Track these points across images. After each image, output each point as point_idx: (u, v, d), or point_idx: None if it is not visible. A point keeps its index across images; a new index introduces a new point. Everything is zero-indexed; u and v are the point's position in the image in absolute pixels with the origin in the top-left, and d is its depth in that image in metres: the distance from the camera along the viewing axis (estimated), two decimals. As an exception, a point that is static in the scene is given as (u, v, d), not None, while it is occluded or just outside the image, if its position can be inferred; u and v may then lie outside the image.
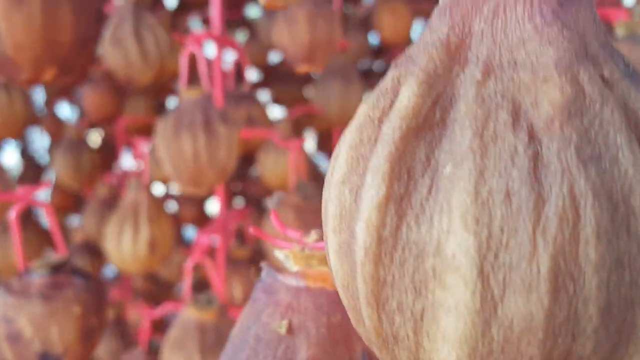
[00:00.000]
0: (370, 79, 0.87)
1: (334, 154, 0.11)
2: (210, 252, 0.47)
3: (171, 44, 0.51)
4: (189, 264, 0.42)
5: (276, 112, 0.88)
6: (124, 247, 0.46)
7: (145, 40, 0.50)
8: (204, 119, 0.43)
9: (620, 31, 0.34)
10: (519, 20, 0.09)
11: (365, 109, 0.10)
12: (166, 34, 0.51)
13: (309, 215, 0.47)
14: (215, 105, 0.44)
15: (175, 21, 0.85)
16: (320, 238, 0.18)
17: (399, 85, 0.10)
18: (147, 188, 0.50)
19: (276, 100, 0.89)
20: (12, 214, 0.29)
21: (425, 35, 0.10)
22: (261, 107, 0.56)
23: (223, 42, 0.48)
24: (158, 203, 0.50)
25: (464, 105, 0.09)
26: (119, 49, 0.50)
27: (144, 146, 0.50)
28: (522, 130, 0.09)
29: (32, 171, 0.91)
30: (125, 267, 0.47)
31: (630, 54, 0.33)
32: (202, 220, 0.78)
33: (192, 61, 0.46)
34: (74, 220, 0.88)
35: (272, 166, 0.67)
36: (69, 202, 0.93)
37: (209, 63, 0.48)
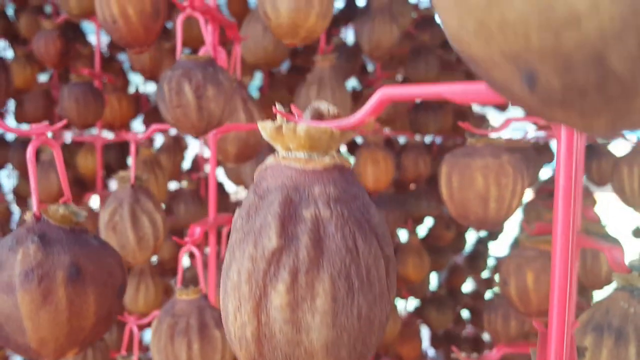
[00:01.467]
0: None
1: None
2: None
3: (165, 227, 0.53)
4: None
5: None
6: None
7: (142, 226, 0.51)
8: (199, 323, 0.44)
9: (617, 282, 0.36)
10: None
11: None
12: (162, 217, 0.52)
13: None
14: (211, 306, 0.45)
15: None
16: None
17: None
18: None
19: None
20: None
21: None
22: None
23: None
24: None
25: None
26: (115, 234, 0.51)
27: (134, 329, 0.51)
28: None
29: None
30: None
31: (629, 307, 0.36)
32: None
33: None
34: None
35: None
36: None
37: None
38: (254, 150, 0.56)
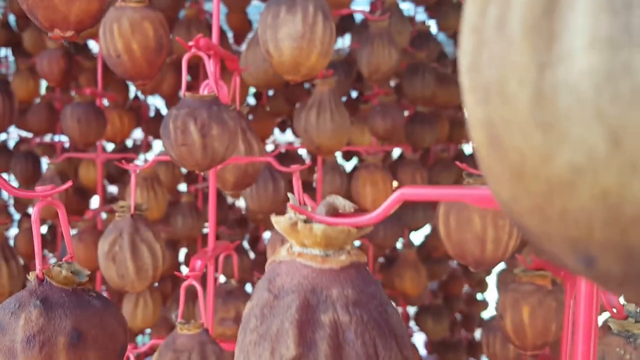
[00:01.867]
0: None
1: None
2: None
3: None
4: None
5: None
6: None
7: (141, 256, 0.51)
8: (201, 359, 0.44)
9: (613, 326, 0.36)
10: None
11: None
12: (161, 246, 0.52)
13: None
14: (212, 341, 0.45)
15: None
16: None
17: None
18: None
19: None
20: None
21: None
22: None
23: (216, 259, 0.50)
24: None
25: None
26: (115, 264, 0.51)
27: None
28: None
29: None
30: None
31: (624, 354, 0.36)
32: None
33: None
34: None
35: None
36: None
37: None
38: (252, 179, 0.56)
